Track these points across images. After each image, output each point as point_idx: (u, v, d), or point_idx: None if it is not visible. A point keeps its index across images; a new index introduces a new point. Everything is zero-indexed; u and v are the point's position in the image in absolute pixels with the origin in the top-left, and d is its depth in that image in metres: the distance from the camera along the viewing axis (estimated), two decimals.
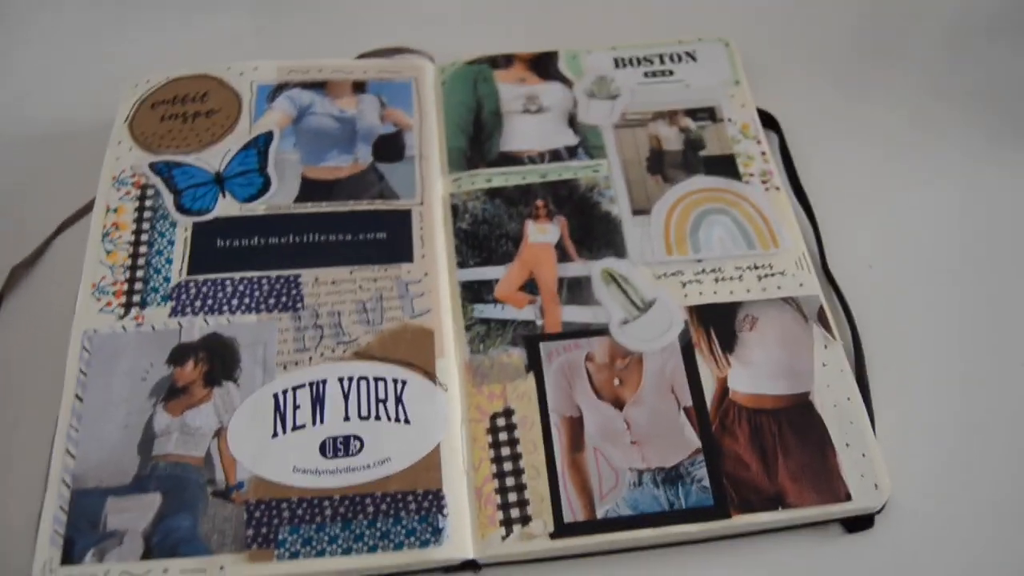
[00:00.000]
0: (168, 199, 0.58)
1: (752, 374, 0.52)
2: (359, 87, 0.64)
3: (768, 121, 0.65)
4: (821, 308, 0.55)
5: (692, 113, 0.63)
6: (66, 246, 0.60)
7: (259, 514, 0.48)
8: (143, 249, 0.56)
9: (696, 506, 0.49)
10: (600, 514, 0.48)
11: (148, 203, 0.58)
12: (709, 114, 0.63)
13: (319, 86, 0.64)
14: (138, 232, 0.57)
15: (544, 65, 0.66)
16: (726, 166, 0.61)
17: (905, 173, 0.63)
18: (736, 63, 0.66)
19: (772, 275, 0.56)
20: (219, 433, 0.50)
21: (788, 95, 0.67)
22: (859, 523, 0.49)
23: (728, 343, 0.54)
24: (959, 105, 0.67)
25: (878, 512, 0.49)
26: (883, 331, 0.56)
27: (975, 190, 0.62)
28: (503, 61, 0.66)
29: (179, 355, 0.52)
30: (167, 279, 0.55)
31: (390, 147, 0.61)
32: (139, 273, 0.55)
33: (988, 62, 0.69)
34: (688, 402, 0.52)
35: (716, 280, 0.56)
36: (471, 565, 0.48)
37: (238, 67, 0.64)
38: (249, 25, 0.73)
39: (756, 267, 0.56)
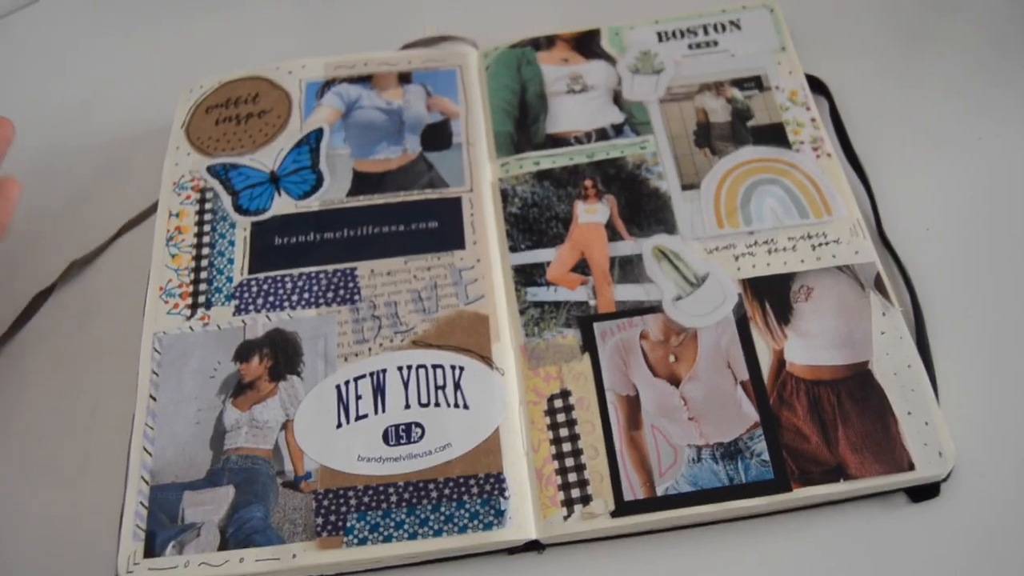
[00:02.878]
0: (226, 201, 0.60)
1: (809, 345, 0.52)
2: (404, 78, 0.65)
3: (817, 86, 0.63)
4: (878, 275, 0.54)
5: (739, 83, 0.63)
6: (127, 246, 0.63)
7: (327, 502, 0.49)
8: (205, 251, 0.58)
9: (756, 480, 0.49)
10: (660, 491, 0.49)
11: (208, 206, 0.60)
12: (756, 83, 0.63)
13: (365, 80, 0.65)
14: (200, 235, 0.59)
15: (587, 44, 0.66)
16: (775, 135, 0.60)
17: (960, 132, 0.61)
18: (782, 28, 0.65)
19: (826, 244, 0.55)
20: (286, 425, 0.52)
21: (837, 58, 0.65)
22: (924, 492, 0.49)
23: (783, 315, 0.53)
24: (1015, 64, 0.64)
25: (944, 480, 0.49)
26: (944, 295, 0.55)
27: None
28: (545, 43, 0.66)
29: (244, 352, 0.54)
30: (229, 279, 0.57)
31: (437, 136, 0.62)
32: (203, 275, 0.57)
33: None
34: (745, 376, 0.52)
35: (769, 252, 0.56)
36: (534, 545, 0.49)
37: (287, 66, 0.65)
38: (295, 20, 0.74)
39: (810, 236, 0.56)
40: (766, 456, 0.49)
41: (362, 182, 0.60)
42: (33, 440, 0.55)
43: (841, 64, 0.65)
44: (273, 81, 0.65)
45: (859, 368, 0.51)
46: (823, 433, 0.50)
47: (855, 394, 0.50)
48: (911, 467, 0.48)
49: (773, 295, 0.54)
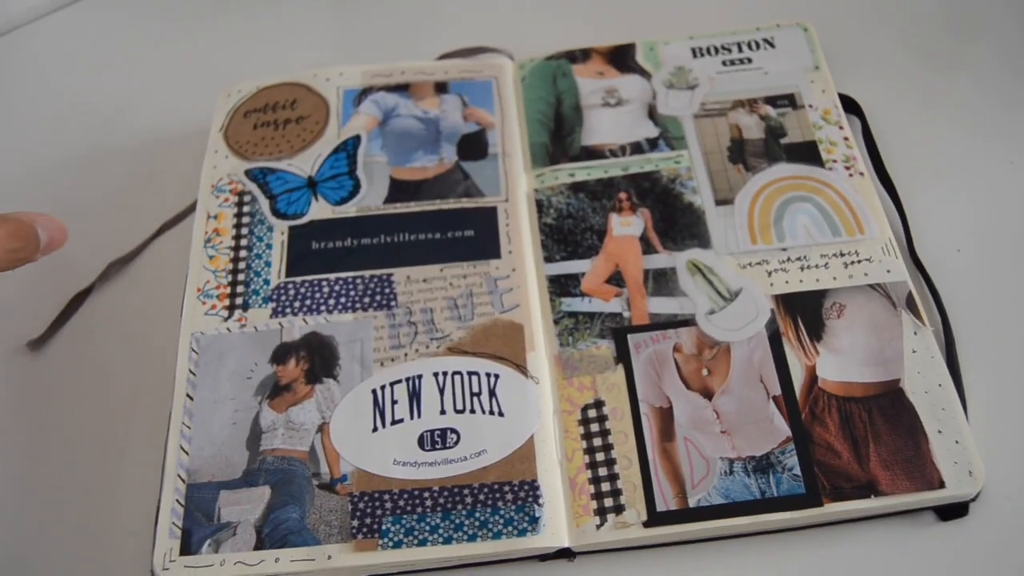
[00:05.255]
0: (264, 204, 0.61)
1: (841, 362, 0.53)
2: (441, 88, 0.65)
3: (850, 106, 0.64)
4: (910, 294, 0.54)
5: (772, 100, 0.63)
6: (165, 246, 0.63)
7: (363, 505, 0.50)
8: (243, 253, 0.59)
9: (787, 494, 0.49)
10: (692, 503, 0.49)
11: (246, 209, 0.61)
12: (789, 101, 0.63)
13: (402, 88, 0.65)
14: (238, 237, 0.59)
15: (622, 58, 0.67)
16: (808, 153, 0.61)
17: (992, 154, 0.62)
18: (816, 48, 0.65)
19: (858, 262, 0.56)
20: (322, 428, 0.52)
21: (870, 78, 0.66)
22: (953, 511, 0.49)
23: (816, 331, 0.54)
24: None
25: (973, 500, 0.49)
26: (974, 316, 0.56)
27: None
28: (581, 55, 0.67)
29: (281, 354, 0.55)
30: (267, 282, 0.58)
31: (474, 146, 0.63)
32: (240, 277, 0.58)
33: None
34: (777, 391, 0.52)
35: (802, 268, 0.56)
36: (565, 553, 0.49)
37: (324, 73, 0.66)
38: (331, 26, 0.75)
39: (842, 254, 0.56)
40: (798, 471, 0.50)
41: (399, 189, 0.61)
42: (71, 438, 0.56)
43: (874, 84, 0.66)
44: (311, 87, 0.66)
45: (890, 386, 0.52)
46: (854, 449, 0.50)
47: (886, 411, 0.51)
48: (941, 485, 0.49)
49: (805, 311, 0.55)
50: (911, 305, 0.54)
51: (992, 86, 0.65)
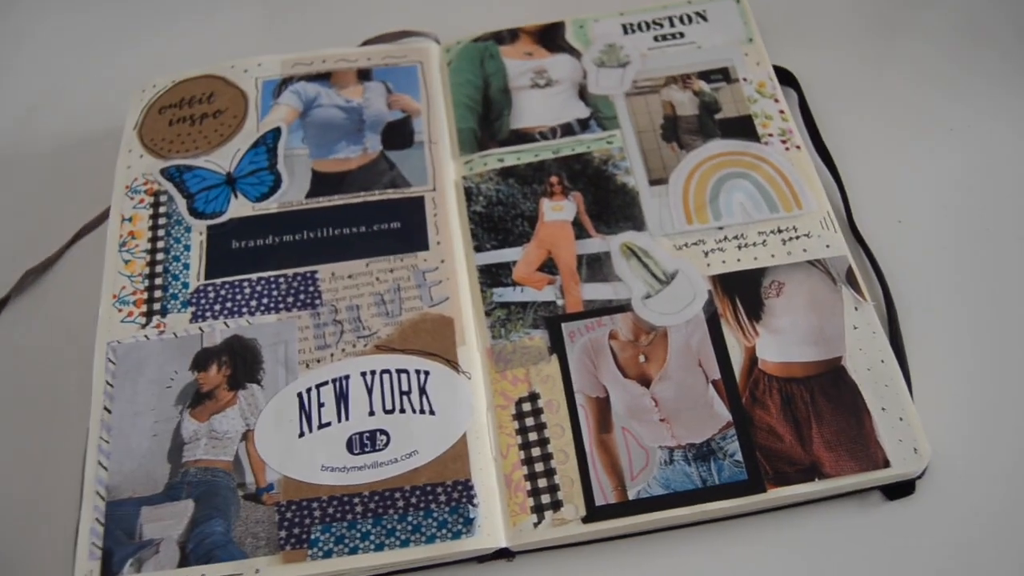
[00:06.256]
0: (181, 204, 0.58)
1: (781, 342, 0.51)
2: (364, 75, 0.63)
3: (786, 78, 0.62)
4: (850, 269, 0.53)
5: (705, 75, 0.61)
6: (82, 253, 0.61)
7: (291, 515, 0.48)
8: (160, 256, 0.56)
9: (730, 481, 0.48)
10: (632, 495, 0.48)
11: (162, 209, 0.58)
12: (723, 75, 0.61)
13: (324, 77, 0.63)
14: (154, 240, 0.57)
15: (551, 37, 0.65)
16: (743, 127, 0.59)
17: (932, 123, 0.61)
18: (749, 19, 0.64)
19: (797, 238, 0.54)
20: (246, 436, 0.50)
21: (805, 49, 0.64)
22: (899, 490, 0.48)
23: (755, 311, 0.52)
24: (986, 54, 0.64)
25: (919, 477, 0.48)
26: (916, 289, 0.54)
27: (1006, 140, 0.60)
28: (509, 36, 0.65)
29: (202, 360, 0.53)
30: (185, 285, 0.55)
31: (399, 134, 0.60)
32: (158, 281, 0.55)
33: (1019, 5, 0.66)
34: (716, 375, 0.50)
35: (739, 247, 0.55)
36: (504, 553, 0.48)
37: (242, 64, 0.64)
38: (252, 17, 0.72)
39: (780, 231, 0.55)
40: (739, 456, 0.48)
41: (322, 183, 0.59)
42: None
43: (809, 55, 0.64)
44: (228, 80, 0.63)
45: (832, 364, 0.50)
46: (797, 431, 0.49)
47: (828, 391, 0.50)
48: (886, 464, 0.47)
49: (744, 291, 0.53)
50: (851, 280, 0.53)
51: (929, 55, 0.64)
